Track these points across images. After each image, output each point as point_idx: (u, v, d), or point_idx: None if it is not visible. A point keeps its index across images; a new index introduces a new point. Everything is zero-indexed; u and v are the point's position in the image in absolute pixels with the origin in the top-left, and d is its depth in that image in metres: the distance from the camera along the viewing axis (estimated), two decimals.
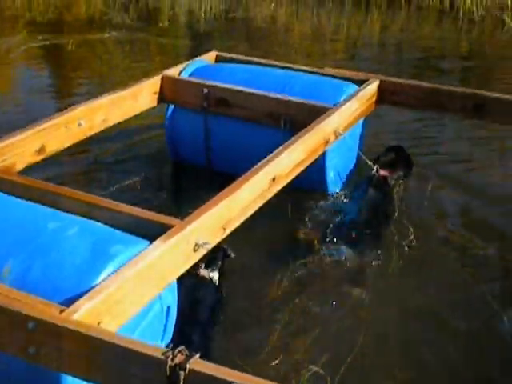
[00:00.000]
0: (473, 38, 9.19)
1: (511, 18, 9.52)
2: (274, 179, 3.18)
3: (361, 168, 4.41)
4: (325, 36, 9.04)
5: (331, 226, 3.84)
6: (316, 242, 3.72)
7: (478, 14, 9.93)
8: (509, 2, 9.97)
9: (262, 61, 4.74)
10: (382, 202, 4.07)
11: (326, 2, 10.54)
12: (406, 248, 3.69)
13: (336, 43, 8.80)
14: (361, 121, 4.34)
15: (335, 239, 3.73)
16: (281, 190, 3.30)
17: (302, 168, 3.49)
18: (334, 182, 4.23)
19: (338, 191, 4.26)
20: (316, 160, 3.71)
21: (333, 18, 10.04)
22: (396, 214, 4.00)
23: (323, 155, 3.91)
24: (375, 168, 4.17)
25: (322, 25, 9.71)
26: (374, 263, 3.58)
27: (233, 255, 3.32)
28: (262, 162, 3.16)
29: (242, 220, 2.97)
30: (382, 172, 4.18)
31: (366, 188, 4.16)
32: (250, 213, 3.03)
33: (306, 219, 3.96)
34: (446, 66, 7.71)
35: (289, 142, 3.42)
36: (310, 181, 3.95)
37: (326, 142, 3.75)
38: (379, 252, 3.65)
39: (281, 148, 3.34)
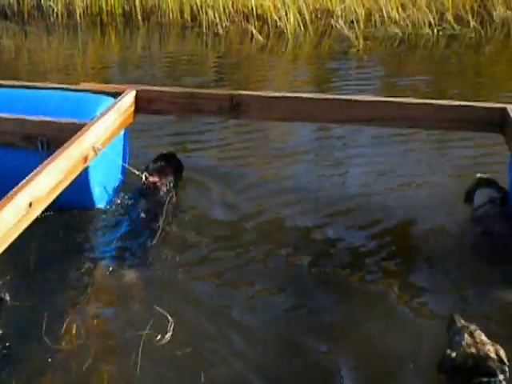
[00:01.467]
0: (221, 51, 9.03)
1: (258, 30, 9.40)
2: (30, 204, 3.07)
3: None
4: (61, 63, 8.45)
5: (101, 241, 3.80)
6: (89, 260, 3.67)
7: (222, 26, 9.58)
8: (254, 12, 9.78)
9: (15, 83, 4.57)
10: (155, 209, 4.08)
11: (57, 28, 9.84)
12: (170, 254, 3.74)
13: (75, 68, 8.19)
14: (121, 133, 4.33)
15: (110, 253, 3.71)
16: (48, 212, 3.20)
17: (61, 189, 3.41)
18: (101, 197, 4.18)
19: (108, 205, 4.21)
20: (78, 178, 3.65)
21: (67, 44, 9.40)
22: (170, 219, 4.04)
23: (85, 172, 3.85)
24: (143, 176, 4.20)
25: (59, 51, 9.06)
26: (145, 274, 3.59)
27: (7, 298, 3.16)
28: (16, 187, 3.05)
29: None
30: (151, 179, 4.22)
31: (138, 197, 4.19)
32: (9, 241, 2.91)
33: (79, 239, 3.88)
34: (199, 81, 7.37)
35: (45, 163, 3.33)
36: (75, 199, 3.88)
37: (85, 159, 3.70)
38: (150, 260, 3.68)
39: (37, 170, 3.24)
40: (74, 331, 3.04)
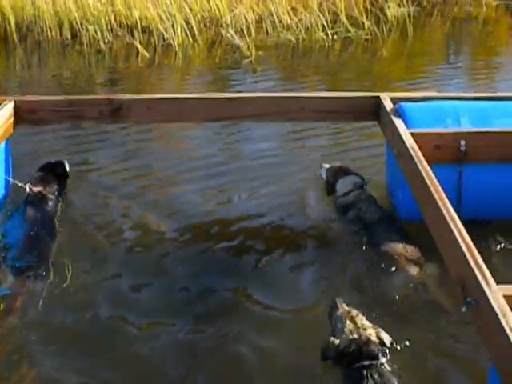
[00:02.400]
0: (106, 69, 8.30)
1: (145, 44, 8.80)
2: None
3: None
4: None
5: None
6: None
7: (104, 41, 8.82)
8: (139, 24, 9.05)
9: None
10: (44, 218, 4.05)
11: None
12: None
13: None
14: (2, 145, 4.28)
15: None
16: None
17: None
18: None
19: None
20: None
21: None
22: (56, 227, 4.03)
23: None
24: (27, 187, 4.19)
25: None
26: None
27: None
28: None
29: None
30: (35, 189, 4.20)
31: (25, 208, 4.14)
32: None
33: None
34: None
35: None
36: None
37: None
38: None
39: None
40: None
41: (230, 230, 4.12)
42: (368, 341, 2.80)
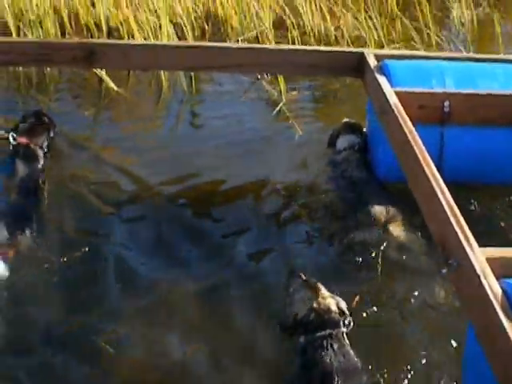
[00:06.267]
0: None
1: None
2: None
3: None
4: None
5: None
6: None
7: None
8: None
9: None
10: (33, 171, 3.80)
11: None
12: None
13: None
14: None
15: None
16: None
17: None
18: None
19: None
20: None
21: None
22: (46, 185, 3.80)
23: None
24: (10, 136, 3.90)
25: None
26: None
27: None
28: None
29: None
30: (21, 139, 3.92)
31: (13, 160, 3.84)
32: None
33: None
34: None
35: None
36: None
37: None
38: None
39: None
40: None
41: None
42: (328, 309, 2.75)
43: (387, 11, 6.19)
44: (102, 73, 4.72)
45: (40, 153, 3.94)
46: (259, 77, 4.84)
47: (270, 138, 4.47)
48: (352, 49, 4.39)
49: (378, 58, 4.04)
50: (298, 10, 5.80)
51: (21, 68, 4.79)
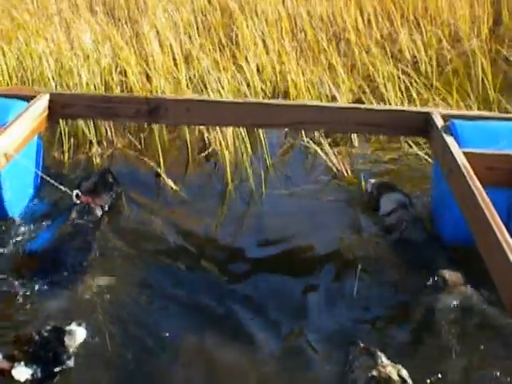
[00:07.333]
0: None
1: None
2: None
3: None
4: None
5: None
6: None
7: None
8: None
9: None
10: (89, 231, 3.78)
11: None
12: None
13: None
14: (35, 139, 4.16)
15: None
16: None
17: None
18: (14, 205, 3.95)
19: (23, 215, 3.97)
20: None
21: None
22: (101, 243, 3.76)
23: None
24: (74, 194, 3.86)
25: None
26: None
27: None
28: None
29: None
30: (84, 199, 3.91)
31: (69, 215, 3.85)
32: None
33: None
34: None
35: None
36: None
37: None
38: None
39: None
40: None
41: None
42: (388, 378, 2.64)
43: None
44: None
45: (98, 212, 3.94)
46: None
47: None
48: (418, 108, 4.29)
49: (445, 117, 3.96)
50: (380, 91, 5.30)
51: None
